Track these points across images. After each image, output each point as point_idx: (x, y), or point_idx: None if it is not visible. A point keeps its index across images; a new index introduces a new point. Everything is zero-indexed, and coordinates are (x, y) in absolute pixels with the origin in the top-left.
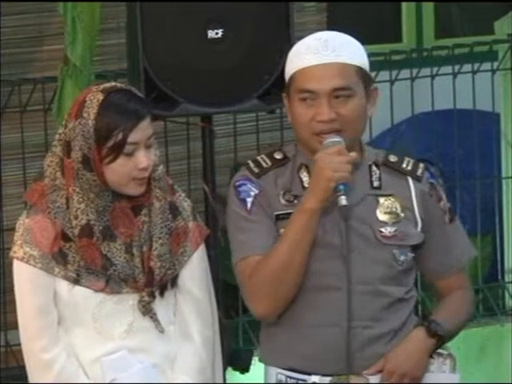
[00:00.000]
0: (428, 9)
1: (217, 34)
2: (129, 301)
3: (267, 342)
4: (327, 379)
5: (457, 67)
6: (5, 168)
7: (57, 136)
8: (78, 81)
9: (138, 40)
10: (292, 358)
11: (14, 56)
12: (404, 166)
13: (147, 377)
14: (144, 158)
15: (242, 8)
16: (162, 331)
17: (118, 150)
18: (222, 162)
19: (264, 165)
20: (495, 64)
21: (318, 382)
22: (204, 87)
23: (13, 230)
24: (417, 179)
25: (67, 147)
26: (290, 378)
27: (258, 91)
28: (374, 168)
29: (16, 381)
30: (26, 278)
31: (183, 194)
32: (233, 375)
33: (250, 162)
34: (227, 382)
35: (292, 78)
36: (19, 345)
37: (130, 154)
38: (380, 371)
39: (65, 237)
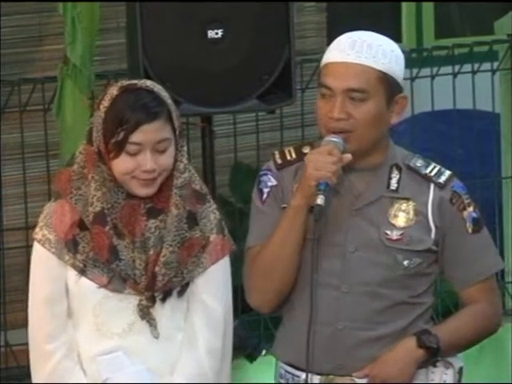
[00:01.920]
0: (428, 9)
1: (217, 34)
2: (130, 302)
3: (277, 335)
4: (317, 378)
5: (457, 67)
6: (4, 168)
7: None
8: (78, 81)
9: (137, 40)
10: (291, 353)
11: (14, 56)
12: (428, 171)
13: (141, 379)
14: (147, 161)
15: (241, 8)
16: (156, 337)
17: (119, 147)
18: (222, 162)
19: (288, 157)
20: (495, 64)
21: (308, 379)
22: (204, 87)
23: (12, 230)
24: (439, 186)
25: (90, 136)
26: (288, 372)
27: (258, 91)
28: (394, 170)
29: (16, 381)
30: (39, 262)
31: (214, 206)
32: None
33: (276, 152)
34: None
35: (320, 69)
36: (19, 345)
37: (134, 154)
38: (368, 375)
39: (81, 225)
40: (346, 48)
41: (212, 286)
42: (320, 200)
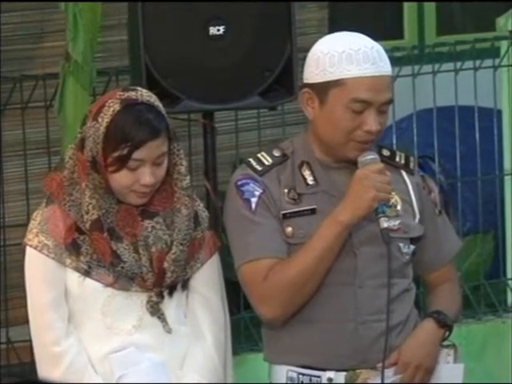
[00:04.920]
0: (429, 6)
1: (218, 30)
2: (138, 298)
3: (274, 341)
4: (342, 374)
5: (458, 64)
6: (6, 165)
7: (79, 129)
8: (80, 77)
9: (139, 37)
10: (305, 355)
11: (16, 53)
12: (397, 159)
13: (155, 373)
14: (147, 176)
15: (243, 5)
16: (169, 331)
17: (121, 163)
18: (224, 158)
19: (266, 162)
20: (497, 60)
21: (333, 377)
22: (205, 84)
23: (14, 226)
24: (410, 172)
25: (82, 143)
26: (303, 374)
27: (260, 88)
28: None
29: (17, 377)
30: (37, 268)
31: (201, 204)
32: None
33: (251, 159)
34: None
35: (341, 82)
36: (21, 341)
37: (134, 169)
38: (394, 364)
39: (79, 230)
40: (377, 60)
41: (209, 280)
42: (385, 223)
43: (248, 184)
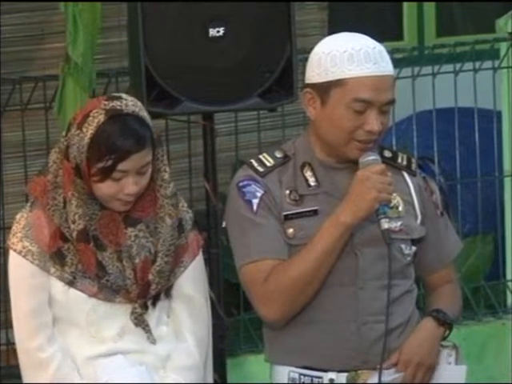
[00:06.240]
0: (429, 7)
1: (218, 32)
2: (121, 306)
3: (275, 342)
4: (344, 375)
5: (458, 65)
6: (6, 166)
7: (63, 133)
8: (80, 79)
9: (139, 38)
10: (306, 355)
11: (16, 54)
12: (399, 161)
13: (140, 378)
14: (131, 186)
15: (243, 6)
16: (153, 342)
17: (105, 174)
18: (224, 160)
19: (268, 163)
20: (497, 62)
21: (335, 378)
22: (205, 85)
23: None
24: (412, 174)
25: (67, 150)
26: (304, 375)
27: (260, 89)
28: None
29: (17, 379)
30: (21, 273)
31: (185, 205)
32: (233, 374)
33: (252, 160)
34: (227, 381)
35: (342, 82)
36: None
37: (119, 179)
38: (395, 364)
39: (63, 237)
40: (378, 60)
41: (192, 280)
42: (386, 224)
43: (249, 185)
